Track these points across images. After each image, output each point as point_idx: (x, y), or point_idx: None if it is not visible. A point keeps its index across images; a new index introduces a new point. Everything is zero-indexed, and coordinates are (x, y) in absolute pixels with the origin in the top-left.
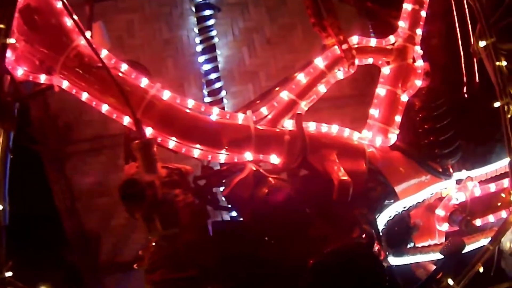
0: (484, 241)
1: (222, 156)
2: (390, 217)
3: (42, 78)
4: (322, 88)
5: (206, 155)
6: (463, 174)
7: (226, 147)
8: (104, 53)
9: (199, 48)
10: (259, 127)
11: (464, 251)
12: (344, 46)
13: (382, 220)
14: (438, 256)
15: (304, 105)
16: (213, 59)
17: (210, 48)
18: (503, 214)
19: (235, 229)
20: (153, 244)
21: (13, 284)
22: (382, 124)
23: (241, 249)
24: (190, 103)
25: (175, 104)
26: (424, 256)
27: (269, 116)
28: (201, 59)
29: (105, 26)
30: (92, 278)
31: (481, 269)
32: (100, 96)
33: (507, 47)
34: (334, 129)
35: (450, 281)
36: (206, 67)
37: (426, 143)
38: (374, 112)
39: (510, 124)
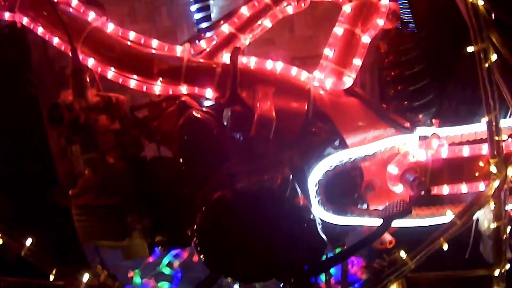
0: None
1: (157, 88)
2: (330, 167)
3: (6, 15)
4: (267, 23)
5: (141, 85)
6: (429, 130)
7: (159, 78)
8: None
9: None
10: (193, 59)
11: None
12: None
13: (320, 169)
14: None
15: (244, 39)
16: (206, 8)
17: None
18: (482, 187)
19: (162, 164)
20: (86, 171)
21: None
22: (335, 66)
23: (161, 183)
24: (131, 35)
25: (115, 36)
26: (372, 220)
27: (207, 49)
28: (194, 7)
29: None
30: None
31: (445, 246)
32: (51, 29)
33: None
34: (279, 66)
35: (403, 254)
36: (198, 16)
37: (393, 93)
38: (328, 52)
39: (487, 74)
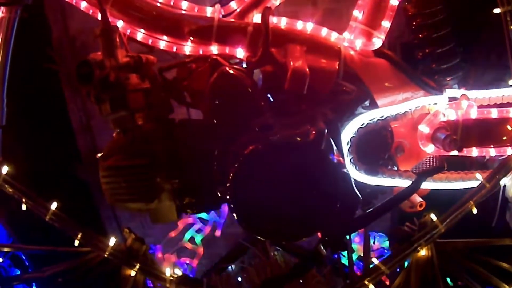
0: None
1: (187, 48)
2: (362, 125)
3: None
4: None
5: (172, 46)
6: (457, 92)
7: (190, 38)
8: None
9: None
10: (224, 19)
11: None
12: None
13: (352, 126)
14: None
15: (275, 0)
16: None
17: None
18: (510, 151)
19: (191, 125)
20: (115, 134)
21: (10, 183)
22: (365, 27)
23: (190, 144)
24: None
25: None
26: (403, 181)
27: (238, 10)
28: None
29: None
30: (102, 195)
31: (474, 210)
32: None
33: None
34: (309, 26)
35: (433, 216)
36: None
37: (421, 56)
38: (357, 14)
39: None
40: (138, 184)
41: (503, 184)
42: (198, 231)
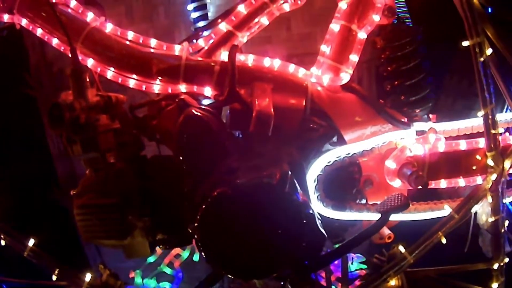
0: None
1: (156, 87)
2: (329, 162)
3: (5, 17)
4: (264, 20)
5: (141, 85)
6: (426, 125)
7: (158, 77)
8: None
9: None
10: (191, 57)
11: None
12: None
13: (319, 164)
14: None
15: (242, 37)
16: (203, 7)
17: None
18: (479, 180)
19: (162, 162)
20: (87, 171)
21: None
22: (332, 62)
23: (161, 182)
24: (130, 35)
25: (114, 36)
26: (371, 214)
27: (206, 48)
28: (190, 6)
29: None
30: None
31: (444, 241)
32: (50, 30)
33: None
34: (277, 63)
35: (402, 248)
36: (195, 14)
37: (390, 88)
38: (325, 49)
39: (483, 68)
40: (110, 222)
41: (474, 211)
42: (177, 256)
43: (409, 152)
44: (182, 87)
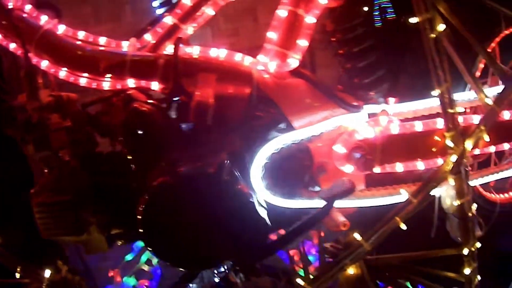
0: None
1: (106, 83)
2: (275, 150)
3: None
4: (209, 11)
5: (91, 82)
6: (377, 107)
7: (106, 74)
8: None
9: None
10: (138, 53)
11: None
12: None
13: (265, 152)
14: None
15: (187, 29)
16: (168, 2)
17: None
18: (440, 162)
19: (114, 158)
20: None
21: None
22: (279, 48)
23: (113, 177)
24: (81, 34)
25: (65, 36)
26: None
27: (153, 42)
28: (156, 3)
29: None
30: None
31: (403, 226)
32: (9, 36)
33: None
34: (222, 53)
35: (357, 235)
36: (160, 11)
37: (343, 71)
38: (272, 35)
39: (435, 45)
40: (65, 219)
41: (438, 195)
42: None
43: (358, 136)
44: (131, 82)
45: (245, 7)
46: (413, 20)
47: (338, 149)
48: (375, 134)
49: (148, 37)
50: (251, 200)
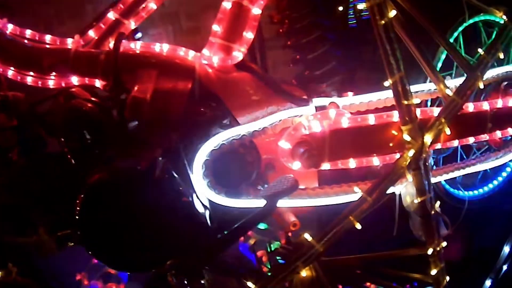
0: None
1: (51, 81)
2: (215, 146)
3: None
4: (152, 5)
5: (37, 81)
6: (326, 100)
7: (50, 72)
8: None
9: None
10: (80, 49)
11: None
12: None
13: (206, 149)
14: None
15: (129, 24)
16: None
17: None
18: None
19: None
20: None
21: None
22: (223, 41)
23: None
24: (27, 33)
25: (13, 36)
26: None
27: (96, 38)
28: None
29: None
30: None
31: (358, 226)
32: None
33: None
34: (165, 47)
35: (308, 236)
36: None
37: (292, 63)
38: (217, 28)
39: (386, 33)
40: (13, 221)
41: (398, 193)
42: None
43: (304, 130)
44: (75, 80)
45: (207, 5)
46: (361, 5)
47: (283, 145)
48: (322, 128)
49: (91, 33)
50: (187, 198)
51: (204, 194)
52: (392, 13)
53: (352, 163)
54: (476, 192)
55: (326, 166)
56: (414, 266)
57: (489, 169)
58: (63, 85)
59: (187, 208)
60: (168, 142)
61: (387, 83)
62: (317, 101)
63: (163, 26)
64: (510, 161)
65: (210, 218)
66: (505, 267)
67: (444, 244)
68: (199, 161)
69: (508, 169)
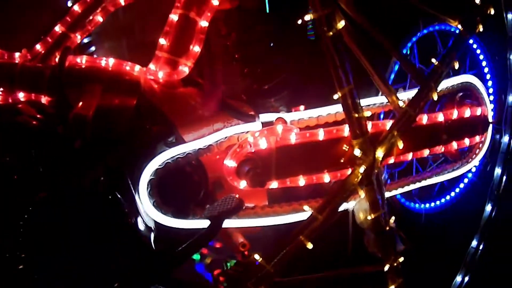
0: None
1: None
2: (160, 165)
3: None
4: (99, 18)
5: None
6: (273, 115)
7: None
8: None
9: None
10: (27, 64)
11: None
12: None
13: (150, 168)
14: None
15: (76, 38)
16: None
17: None
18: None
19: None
20: None
21: None
22: (169, 55)
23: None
24: None
25: None
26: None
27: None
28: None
29: None
30: None
31: (310, 246)
32: None
33: None
34: (111, 62)
35: (257, 257)
36: None
37: (241, 77)
38: (163, 42)
39: (333, 43)
40: None
41: (351, 210)
42: None
43: (250, 148)
44: (21, 96)
45: (163, 19)
46: (308, 16)
47: (228, 163)
48: (269, 144)
49: (38, 47)
50: (131, 220)
51: (149, 215)
52: (341, 23)
53: (301, 181)
54: (433, 204)
55: (273, 184)
56: (373, 283)
57: (446, 180)
58: (10, 101)
59: (130, 230)
60: (111, 160)
61: (336, 96)
62: (264, 117)
63: (117, 40)
64: (468, 171)
65: (155, 240)
66: None
67: (401, 259)
68: (144, 180)
69: (466, 180)
